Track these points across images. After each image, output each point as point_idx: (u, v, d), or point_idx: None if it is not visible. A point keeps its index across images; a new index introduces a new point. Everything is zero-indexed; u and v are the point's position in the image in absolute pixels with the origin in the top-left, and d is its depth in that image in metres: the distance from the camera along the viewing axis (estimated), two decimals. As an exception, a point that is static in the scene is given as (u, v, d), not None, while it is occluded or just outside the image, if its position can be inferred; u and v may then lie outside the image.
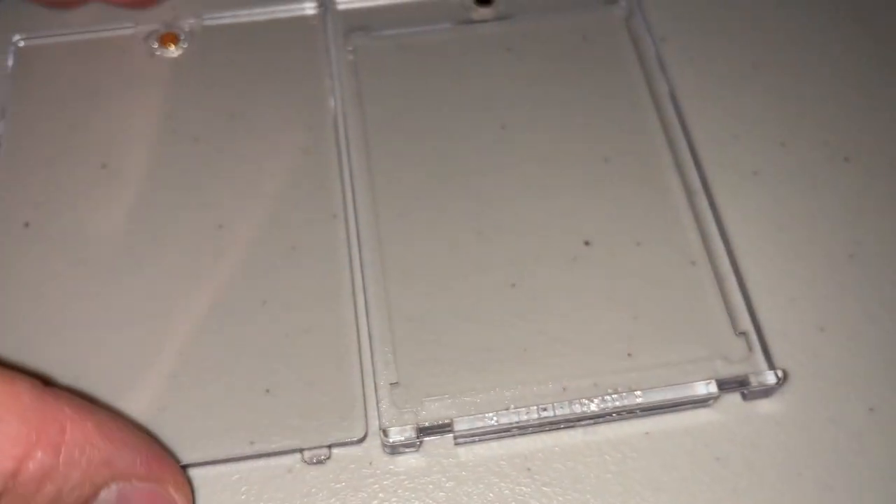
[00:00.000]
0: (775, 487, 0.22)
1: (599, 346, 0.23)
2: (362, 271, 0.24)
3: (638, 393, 0.22)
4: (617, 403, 0.22)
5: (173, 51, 0.28)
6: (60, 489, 0.18)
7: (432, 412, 0.22)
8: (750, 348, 0.23)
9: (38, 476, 0.18)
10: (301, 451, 0.22)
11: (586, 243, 0.25)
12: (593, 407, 0.22)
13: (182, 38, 0.28)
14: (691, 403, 0.23)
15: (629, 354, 0.23)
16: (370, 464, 0.22)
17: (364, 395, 0.22)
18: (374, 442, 0.22)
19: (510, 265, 0.24)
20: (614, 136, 0.27)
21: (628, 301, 0.24)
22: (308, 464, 0.22)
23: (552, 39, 0.28)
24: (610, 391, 0.22)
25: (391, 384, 0.22)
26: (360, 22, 0.29)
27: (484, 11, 0.29)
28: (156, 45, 0.28)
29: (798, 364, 0.23)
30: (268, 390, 0.22)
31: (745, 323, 0.24)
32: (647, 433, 0.22)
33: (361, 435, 0.22)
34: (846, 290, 0.24)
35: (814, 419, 0.23)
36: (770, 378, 0.22)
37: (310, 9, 0.29)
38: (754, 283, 0.24)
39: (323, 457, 0.22)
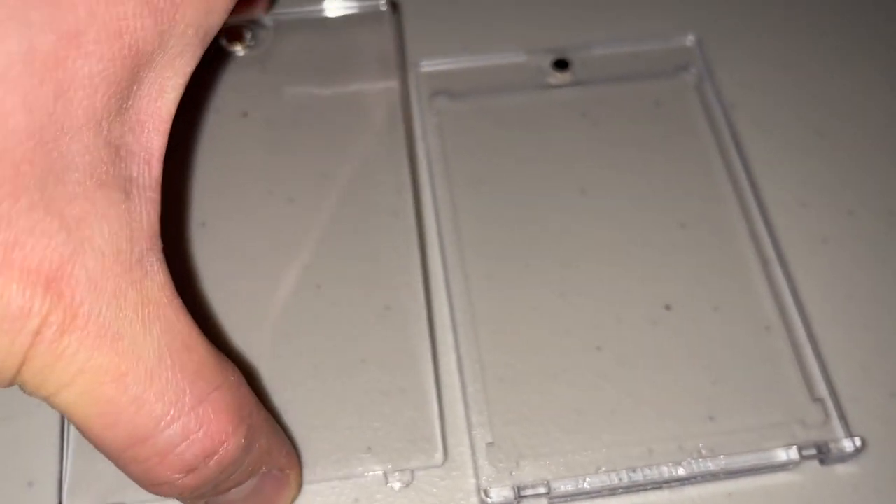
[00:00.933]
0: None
1: (682, 409, 0.24)
2: (455, 331, 0.25)
3: (722, 457, 0.23)
4: (702, 467, 0.23)
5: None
6: (233, 471, 0.20)
7: (527, 473, 0.23)
8: (827, 414, 0.24)
9: (227, 460, 0.19)
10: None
11: (667, 307, 0.26)
12: (681, 471, 0.23)
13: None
14: (772, 468, 0.24)
15: (711, 418, 0.24)
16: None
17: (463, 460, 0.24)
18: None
19: (594, 328, 0.25)
20: (689, 202, 0.28)
21: (708, 365, 0.25)
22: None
23: (626, 104, 0.30)
24: (695, 455, 0.23)
25: (487, 444, 0.24)
26: (443, 86, 0.30)
27: (561, 76, 0.30)
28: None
29: (873, 429, 0.24)
30: (369, 448, 0.24)
31: (821, 389, 0.25)
32: (729, 494, 0.24)
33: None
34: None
35: (891, 483, 0.24)
36: (847, 445, 0.23)
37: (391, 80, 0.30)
38: (828, 350, 0.25)
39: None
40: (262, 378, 0.24)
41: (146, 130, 0.18)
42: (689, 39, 0.30)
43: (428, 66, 0.30)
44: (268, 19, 0.30)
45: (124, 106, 0.18)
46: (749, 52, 0.31)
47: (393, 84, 0.29)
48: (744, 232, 0.27)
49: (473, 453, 0.24)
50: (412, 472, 0.23)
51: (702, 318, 0.26)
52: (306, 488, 0.23)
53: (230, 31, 0.30)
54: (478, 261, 0.26)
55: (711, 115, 0.29)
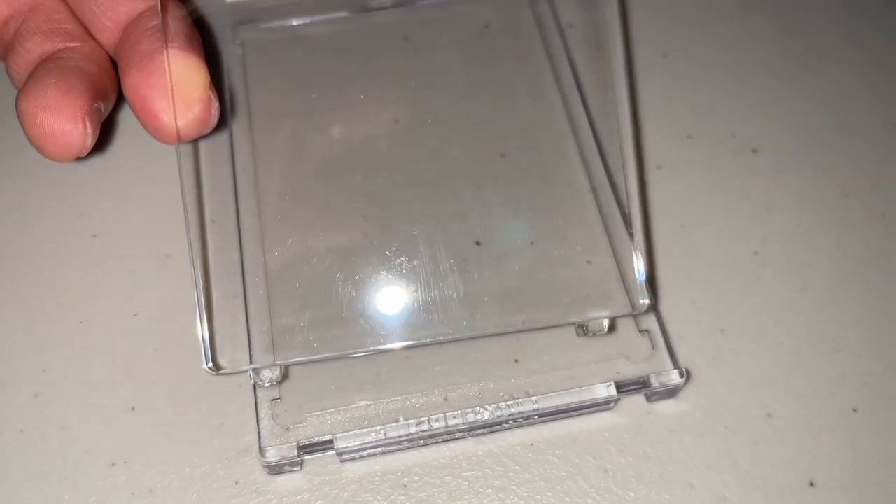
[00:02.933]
0: (665, 499, 0.21)
1: (488, 348, 0.22)
2: (243, 275, 0.23)
3: (534, 398, 0.21)
4: (511, 410, 0.21)
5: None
6: None
7: (311, 427, 0.21)
8: (654, 347, 0.22)
9: None
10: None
11: (477, 243, 0.24)
12: (486, 415, 0.21)
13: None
14: (591, 407, 0.22)
15: (516, 361, 0.22)
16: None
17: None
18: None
19: (402, 270, 0.23)
20: (515, 130, 0.25)
21: (515, 306, 0.23)
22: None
23: (452, 26, 0.27)
24: (504, 397, 0.21)
25: (273, 400, 0.22)
26: (250, 14, 0.27)
27: None
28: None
29: (698, 366, 0.23)
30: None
31: (649, 321, 0.23)
32: (531, 444, 0.22)
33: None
34: (749, 290, 0.24)
35: (711, 425, 0.22)
36: (675, 377, 0.21)
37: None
38: (659, 283, 0.23)
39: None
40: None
41: None
42: None
43: None
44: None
45: None
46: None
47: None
48: (575, 159, 0.25)
49: (257, 410, 0.21)
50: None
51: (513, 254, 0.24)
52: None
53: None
54: (275, 201, 0.24)
55: (546, 37, 0.27)
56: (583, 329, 0.22)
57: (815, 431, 0.22)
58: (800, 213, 0.25)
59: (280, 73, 0.26)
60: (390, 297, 0.23)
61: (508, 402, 0.21)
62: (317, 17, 0.27)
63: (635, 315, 0.23)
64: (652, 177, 0.25)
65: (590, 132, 0.25)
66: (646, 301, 0.22)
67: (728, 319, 0.23)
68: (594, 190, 0.24)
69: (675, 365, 0.22)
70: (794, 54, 0.28)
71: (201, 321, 0.21)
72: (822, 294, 0.23)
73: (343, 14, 0.27)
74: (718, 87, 0.27)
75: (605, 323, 0.22)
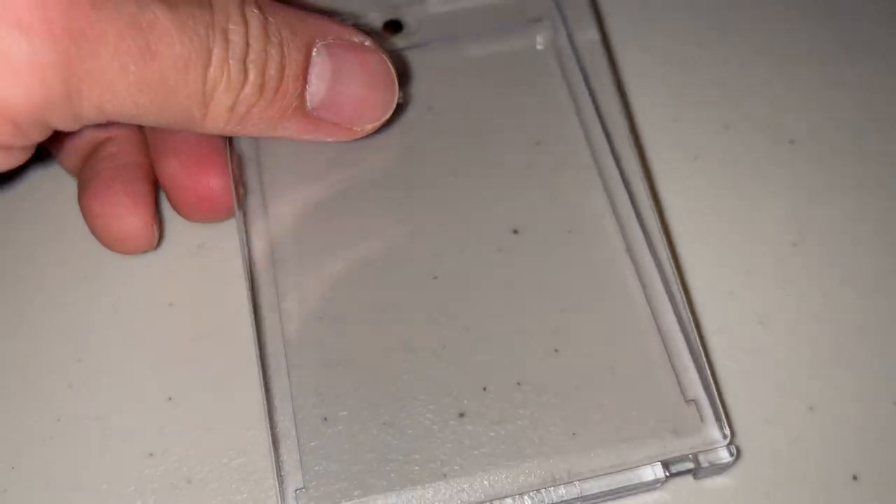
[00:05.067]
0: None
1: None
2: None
3: (577, 484, 0.20)
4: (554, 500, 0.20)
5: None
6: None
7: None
8: (702, 418, 0.21)
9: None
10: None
11: (515, 231, 0.23)
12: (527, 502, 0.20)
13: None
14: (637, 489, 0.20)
15: (573, 434, 0.21)
16: None
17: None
18: None
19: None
20: (547, 117, 0.25)
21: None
22: None
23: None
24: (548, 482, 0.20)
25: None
26: None
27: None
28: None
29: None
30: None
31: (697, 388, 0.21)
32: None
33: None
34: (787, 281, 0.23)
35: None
36: (725, 456, 0.20)
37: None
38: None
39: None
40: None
41: None
42: None
43: None
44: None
45: None
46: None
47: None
48: (605, 150, 0.24)
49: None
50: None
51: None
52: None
53: None
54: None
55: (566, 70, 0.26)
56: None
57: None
58: (838, 205, 0.24)
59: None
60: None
61: (550, 489, 0.20)
62: None
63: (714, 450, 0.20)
64: (689, 167, 0.25)
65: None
66: (727, 434, 0.20)
67: (767, 312, 0.23)
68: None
69: (725, 436, 0.20)
70: (832, 43, 0.27)
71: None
72: (864, 286, 0.23)
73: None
74: (755, 76, 0.27)
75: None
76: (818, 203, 0.25)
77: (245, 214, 0.23)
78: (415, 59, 0.26)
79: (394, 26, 0.26)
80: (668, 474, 0.20)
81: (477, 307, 0.22)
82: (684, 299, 0.22)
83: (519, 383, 0.21)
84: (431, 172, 0.24)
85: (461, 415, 0.21)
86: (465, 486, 0.20)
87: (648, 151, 0.25)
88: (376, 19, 0.26)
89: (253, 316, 0.21)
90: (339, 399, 0.21)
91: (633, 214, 0.23)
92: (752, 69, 0.27)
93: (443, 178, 0.24)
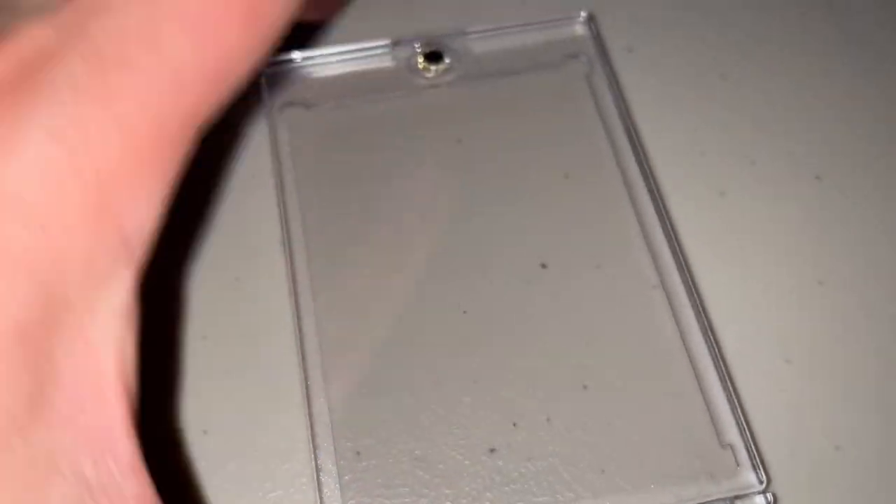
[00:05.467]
0: None
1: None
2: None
3: None
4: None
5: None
6: None
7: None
8: (738, 463, 0.21)
9: None
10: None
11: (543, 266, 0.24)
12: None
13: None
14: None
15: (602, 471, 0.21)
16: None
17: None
18: None
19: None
20: (573, 150, 0.26)
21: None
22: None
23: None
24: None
25: None
26: (294, 94, 0.26)
27: (434, 71, 0.27)
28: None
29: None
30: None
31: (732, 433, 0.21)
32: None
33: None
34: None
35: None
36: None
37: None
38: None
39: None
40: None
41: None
42: (580, 20, 0.28)
43: (273, 70, 0.26)
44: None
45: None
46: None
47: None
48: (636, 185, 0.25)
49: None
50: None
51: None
52: None
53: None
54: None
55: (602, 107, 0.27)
56: None
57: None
58: (865, 242, 0.25)
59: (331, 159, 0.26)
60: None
61: None
62: (366, 99, 0.27)
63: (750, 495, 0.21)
64: (715, 203, 0.26)
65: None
66: (763, 480, 0.21)
67: (791, 349, 0.23)
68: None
69: (762, 481, 0.20)
70: (860, 78, 0.28)
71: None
72: (892, 325, 0.23)
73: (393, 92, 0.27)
74: (781, 110, 0.27)
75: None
76: (844, 240, 0.25)
77: (289, 246, 0.23)
78: (446, 93, 0.26)
79: (433, 57, 0.27)
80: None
81: (506, 341, 0.23)
82: (714, 338, 0.22)
83: (548, 419, 0.22)
84: (461, 206, 0.25)
85: (492, 450, 0.21)
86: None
87: (676, 186, 0.26)
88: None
89: (299, 346, 0.22)
90: (371, 433, 0.21)
91: (664, 249, 0.24)
92: (778, 103, 0.27)
93: (472, 212, 0.25)
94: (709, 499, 0.20)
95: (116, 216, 0.16)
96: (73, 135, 0.15)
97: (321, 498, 0.20)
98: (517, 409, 0.22)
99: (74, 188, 0.15)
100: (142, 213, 0.16)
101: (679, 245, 0.24)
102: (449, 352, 0.23)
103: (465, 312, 0.23)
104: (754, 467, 0.21)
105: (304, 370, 0.22)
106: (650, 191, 0.25)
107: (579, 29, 0.28)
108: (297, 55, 0.27)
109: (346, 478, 0.21)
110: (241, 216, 0.25)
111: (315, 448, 0.21)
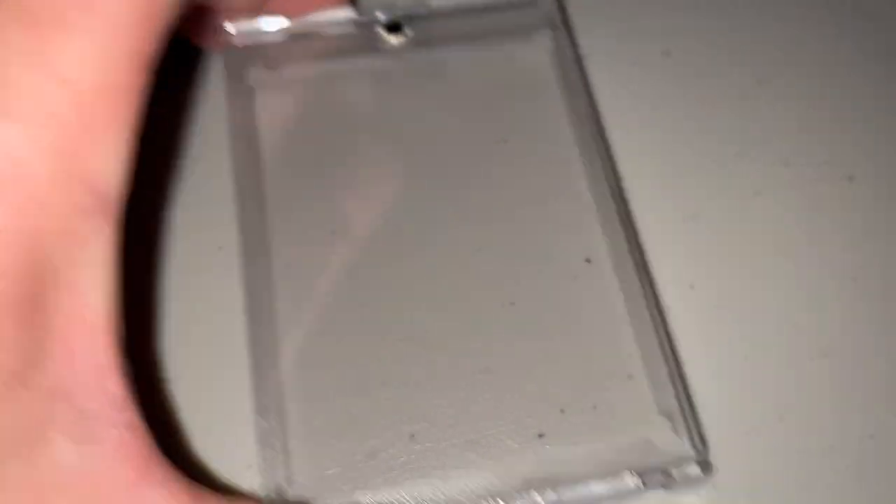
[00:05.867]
0: None
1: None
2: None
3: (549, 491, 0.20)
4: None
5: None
6: None
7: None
8: (675, 432, 0.21)
9: None
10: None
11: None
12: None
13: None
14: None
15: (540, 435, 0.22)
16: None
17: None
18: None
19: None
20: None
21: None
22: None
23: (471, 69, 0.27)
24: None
25: None
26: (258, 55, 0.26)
27: (395, 40, 0.27)
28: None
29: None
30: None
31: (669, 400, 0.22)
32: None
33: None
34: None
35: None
36: (696, 471, 0.21)
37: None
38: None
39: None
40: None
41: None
42: None
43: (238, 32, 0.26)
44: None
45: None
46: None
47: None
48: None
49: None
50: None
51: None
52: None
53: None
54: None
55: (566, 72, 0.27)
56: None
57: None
58: None
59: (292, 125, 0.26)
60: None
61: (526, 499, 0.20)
62: (328, 63, 0.27)
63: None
64: (749, 204, 0.26)
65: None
66: (700, 449, 0.21)
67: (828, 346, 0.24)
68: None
69: (700, 455, 0.21)
70: (893, 81, 0.28)
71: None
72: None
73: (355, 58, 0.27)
74: (814, 112, 0.28)
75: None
76: (876, 240, 0.26)
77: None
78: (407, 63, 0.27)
79: (395, 28, 0.27)
80: (643, 485, 0.20)
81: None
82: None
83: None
84: (425, 176, 0.25)
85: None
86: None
87: (714, 186, 0.26)
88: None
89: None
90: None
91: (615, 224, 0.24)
92: (812, 105, 0.28)
93: (438, 180, 0.25)
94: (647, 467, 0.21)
95: (83, 173, 0.17)
96: (24, 107, 0.16)
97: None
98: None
99: (36, 159, 0.16)
100: (109, 164, 0.17)
101: (631, 223, 0.24)
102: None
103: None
104: (691, 437, 0.21)
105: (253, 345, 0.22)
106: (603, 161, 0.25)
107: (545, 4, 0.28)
108: (264, 23, 0.26)
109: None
110: (199, 183, 0.25)
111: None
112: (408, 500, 0.21)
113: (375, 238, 0.24)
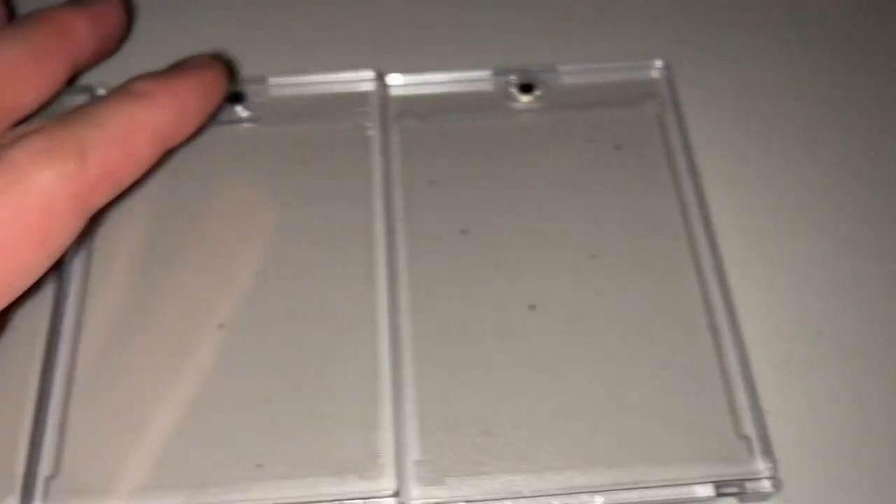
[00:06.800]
0: None
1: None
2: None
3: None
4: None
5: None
6: None
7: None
8: (750, 451, 0.24)
9: None
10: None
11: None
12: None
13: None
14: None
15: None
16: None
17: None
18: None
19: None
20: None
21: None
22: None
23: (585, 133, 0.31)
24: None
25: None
26: (409, 105, 0.31)
27: (525, 100, 0.31)
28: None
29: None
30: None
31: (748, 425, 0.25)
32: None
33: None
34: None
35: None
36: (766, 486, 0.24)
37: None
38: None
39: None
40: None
41: None
42: (657, 67, 0.32)
43: (395, 84, 0.31)
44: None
45: None
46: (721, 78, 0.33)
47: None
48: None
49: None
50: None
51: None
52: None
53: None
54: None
55: (671, 149, 0.30)
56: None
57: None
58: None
59: (435, 163, 0.30)
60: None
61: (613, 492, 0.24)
62: (468, 115, 0.31)
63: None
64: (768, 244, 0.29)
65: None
66: (770, 467, 0.24)
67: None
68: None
69: (770, 471, 0.24)
70: None
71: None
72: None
73: (490, 113, 0.31)
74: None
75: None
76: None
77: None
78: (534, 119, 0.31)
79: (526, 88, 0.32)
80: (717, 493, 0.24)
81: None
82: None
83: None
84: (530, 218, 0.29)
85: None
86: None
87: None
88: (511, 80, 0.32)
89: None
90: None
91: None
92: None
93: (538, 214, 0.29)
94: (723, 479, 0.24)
95: None
96: None
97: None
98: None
99: None
100: None
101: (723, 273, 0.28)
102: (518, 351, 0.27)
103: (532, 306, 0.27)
104: (764, 456, 0.24)
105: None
106: (705, 223, 0.29)
107: (655, 73, 0.32)
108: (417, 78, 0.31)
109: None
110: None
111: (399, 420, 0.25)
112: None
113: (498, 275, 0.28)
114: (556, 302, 0.27)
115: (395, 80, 0.31)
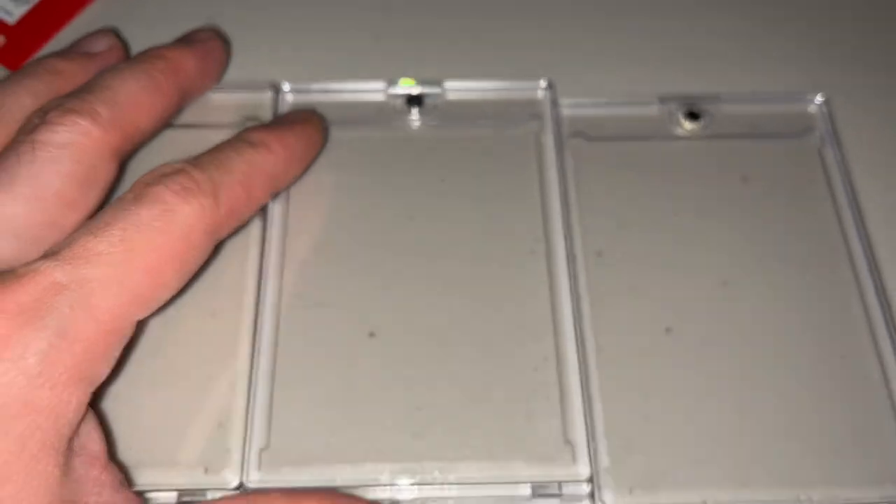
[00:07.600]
0: None
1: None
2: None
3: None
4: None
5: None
6: None
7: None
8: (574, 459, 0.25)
9: None
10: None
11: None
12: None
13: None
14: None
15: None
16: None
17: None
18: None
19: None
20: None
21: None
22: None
23: (744, 160, 0.32)
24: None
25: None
26: (579, 128, 0.32)
27: (690, 127, 0.32)
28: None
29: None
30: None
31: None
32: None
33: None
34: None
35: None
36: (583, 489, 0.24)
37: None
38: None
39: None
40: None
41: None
42: (816, 101, 0.33)
43: (567, 107, 0.32)
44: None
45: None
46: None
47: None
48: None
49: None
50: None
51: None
52: None
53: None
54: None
55: (831, 181, 0.31)
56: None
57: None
58: None
59: (603, 183, 0.31)
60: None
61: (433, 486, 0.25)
62: (634, 140, 0.32)
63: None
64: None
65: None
66: (588, 472, 0.25)
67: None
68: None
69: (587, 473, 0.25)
70: None
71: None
72: None
73: (655, 139, 0.32)
74: None
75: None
76: None
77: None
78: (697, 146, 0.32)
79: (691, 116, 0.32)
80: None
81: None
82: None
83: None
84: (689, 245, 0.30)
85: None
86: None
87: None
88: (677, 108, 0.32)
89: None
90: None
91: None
92: None
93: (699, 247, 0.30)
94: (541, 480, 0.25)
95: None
96: None
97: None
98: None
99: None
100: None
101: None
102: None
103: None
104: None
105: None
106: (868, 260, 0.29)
107: (813, 108, 0.33)
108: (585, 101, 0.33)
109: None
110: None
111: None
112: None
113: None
114: (692, 325, 0.28)
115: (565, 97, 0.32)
